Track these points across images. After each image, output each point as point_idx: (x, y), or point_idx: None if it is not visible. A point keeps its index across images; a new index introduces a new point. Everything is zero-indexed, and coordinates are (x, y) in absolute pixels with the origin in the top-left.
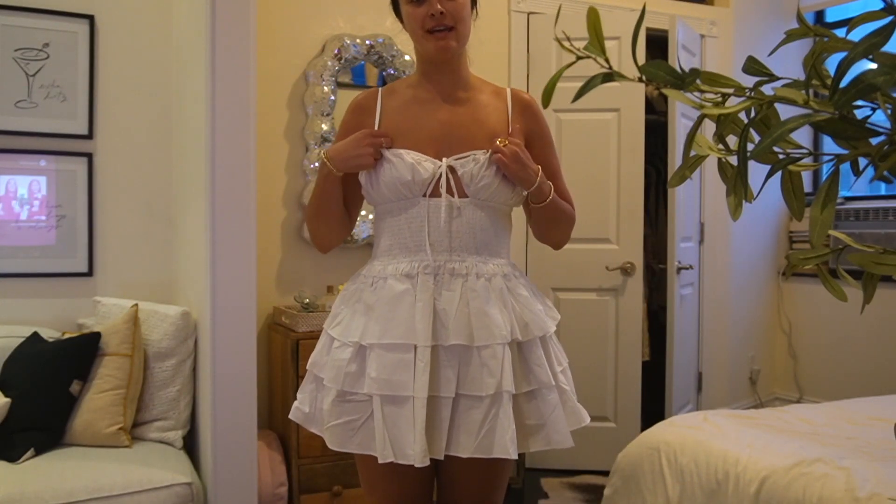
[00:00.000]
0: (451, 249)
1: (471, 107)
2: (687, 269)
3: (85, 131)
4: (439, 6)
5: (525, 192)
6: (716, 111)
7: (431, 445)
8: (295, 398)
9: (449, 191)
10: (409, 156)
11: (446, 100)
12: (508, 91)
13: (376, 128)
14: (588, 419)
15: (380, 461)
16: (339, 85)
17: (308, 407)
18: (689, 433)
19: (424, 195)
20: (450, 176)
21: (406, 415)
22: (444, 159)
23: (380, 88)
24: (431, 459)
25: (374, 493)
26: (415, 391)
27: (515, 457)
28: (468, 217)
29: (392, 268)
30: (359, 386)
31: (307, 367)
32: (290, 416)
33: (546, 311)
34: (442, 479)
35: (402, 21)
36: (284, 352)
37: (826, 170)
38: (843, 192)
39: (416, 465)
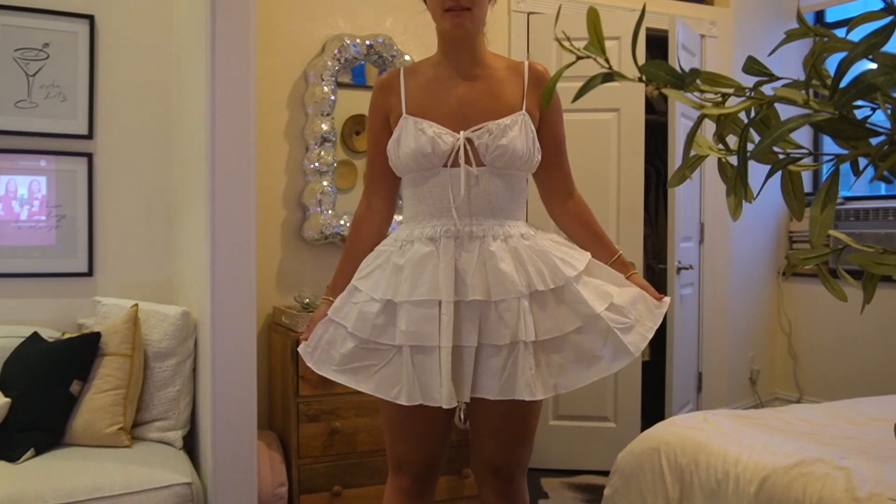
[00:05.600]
0: (471, 214)
1: (487, 83)
2: (687, 269)
3: (85, 131)
4: None
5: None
6: (716, 111)
7: (457, 389)
8: (295, 398)
9: (467, 161)
10: (431, 129)
11: (464, 77)
12: (526, 64)
13: (402, 105)
14: (638, 350)
15: (408, 403)
16: (339, 85)
17: (315, 343)
18: (689, 433)
19: (445, 165)
20: (468, 147)
21: (433, 362)
22: (461, 132)
23: (401, 68)
24: (465, 417)
25: (392, 430)
26: (440, 341)
27: (537, 397)
28: (485, 184)
29: (418, 232)
30: (386, 337)
31: (328, 314)
32: (298, 349)
33: (571, 253)
34: (475, 436)
35: (425, 1)
36: (284, 352)
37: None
38: (843, 192)
39: (444, 407)
